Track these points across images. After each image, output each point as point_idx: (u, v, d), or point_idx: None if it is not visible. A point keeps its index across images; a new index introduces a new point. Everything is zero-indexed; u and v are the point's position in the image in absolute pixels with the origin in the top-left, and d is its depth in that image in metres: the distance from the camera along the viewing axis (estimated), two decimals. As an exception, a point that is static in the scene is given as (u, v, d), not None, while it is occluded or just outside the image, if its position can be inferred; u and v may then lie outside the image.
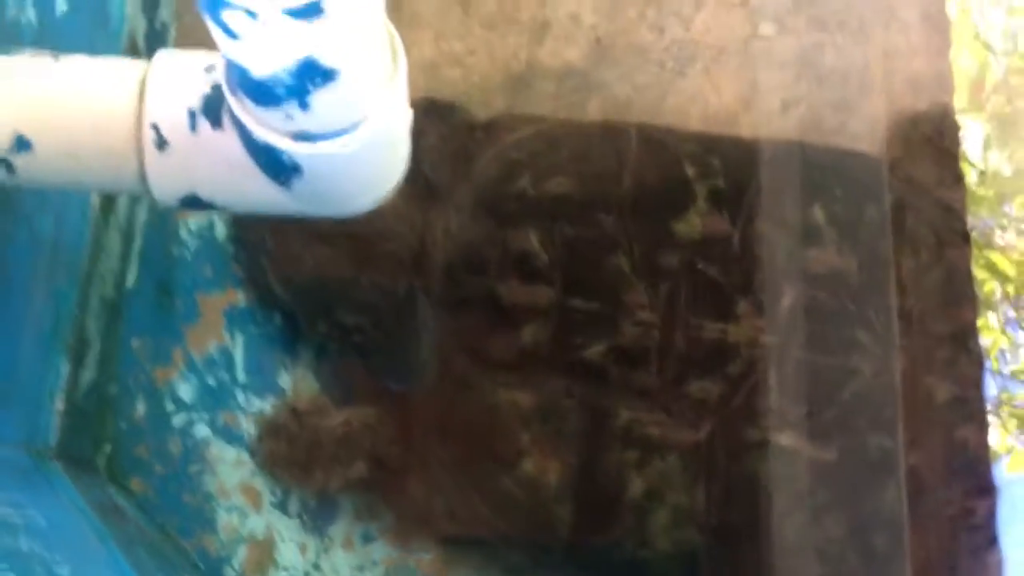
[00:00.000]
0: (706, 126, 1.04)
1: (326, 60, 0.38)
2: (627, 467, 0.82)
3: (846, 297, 0.85)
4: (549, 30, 1.10)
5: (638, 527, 0.82)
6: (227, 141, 0.48)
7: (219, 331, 0.89)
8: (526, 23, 1.10)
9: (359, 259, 0.87)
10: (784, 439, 0.83)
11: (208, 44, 0.90)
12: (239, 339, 0.89)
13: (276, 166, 0.46)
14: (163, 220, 0.89)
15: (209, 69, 0.49)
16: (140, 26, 0.82)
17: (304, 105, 0.40)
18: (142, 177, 0.49)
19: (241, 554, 0.86)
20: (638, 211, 0.87)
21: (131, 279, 0.85)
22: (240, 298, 0.91)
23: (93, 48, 0.72)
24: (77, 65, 0.49)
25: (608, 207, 0.87)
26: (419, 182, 0.96)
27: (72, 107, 0.48)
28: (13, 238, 0.59)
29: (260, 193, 0.49)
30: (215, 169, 0.48)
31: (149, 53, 0.83)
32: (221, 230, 0.91)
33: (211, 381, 0.88)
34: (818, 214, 0.88)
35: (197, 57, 0.50)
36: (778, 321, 0.84)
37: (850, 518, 0.81)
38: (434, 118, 0.99)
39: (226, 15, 0.36)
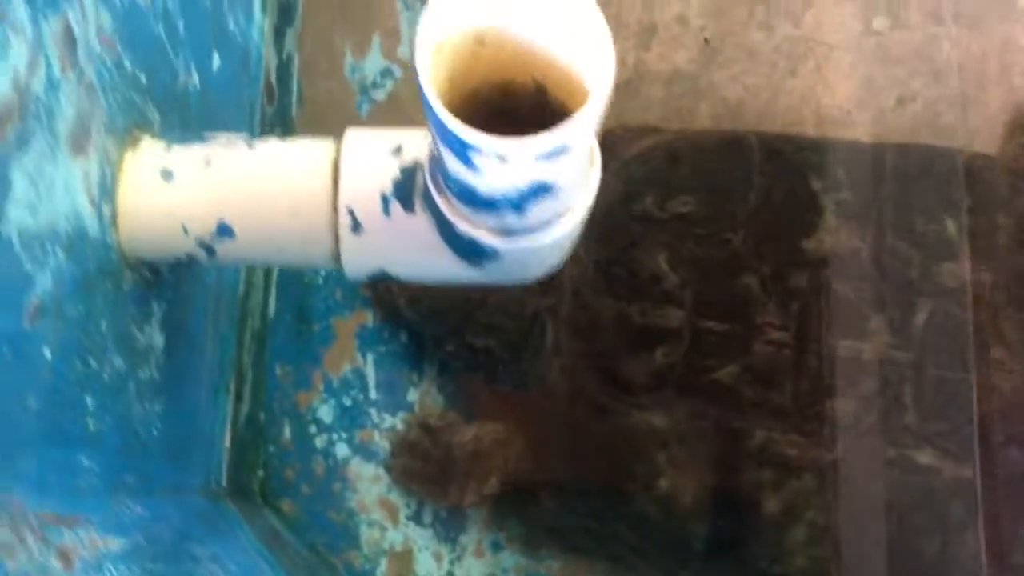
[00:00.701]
0: (821, 128, 1.03)
1: (553, 181, 0.39)
2: (762, 486, 0.83)
3: (981, 312, 0.84)
4: (656, 34, 1.09)
5: (773, 544, 0.84)
6: (420, 224, 0.49)
7: (352, 353, 0.91)
8: (632, 27, 1.09)
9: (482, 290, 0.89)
10: (921, 457, 0.83)
11: (333, 76, 0.92)
12: (370, 359, 0.92)
13: (474, 253, 0.47)
14: None
15: (396, 152, 0.50)
16: (272, 62, 0.83)
17: (521, 213, 0.42)
18: (336, 257, 0.51)
19: (383, 566, 0.89)
20: (766, 229, 0.86)
21: (272, 309, 0.88)
22: (369, 319, 0.93)
23: (239, 90, 0.74)
24: (271, 151, 0.51)
25: (735, 225, 0.87)
26: None
27: (271, 195, 0.50)
28: (191, 298, 0.62)
29: (448, 270, 0.51)
30: (406, 250, 0.50)
31: (280, 85, 0.85)
32: None
33: (347, 401, 0.91)
34: (949, 225, 0.87)
35: (382, 138, 0.51)
36: (912, 338, 0.84)
37: (989, 536, 0.81)
38: None
39: (473, 155, 0.37)
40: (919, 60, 1.07)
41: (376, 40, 0.99)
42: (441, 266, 0.51)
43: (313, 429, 0.90)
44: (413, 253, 0.50)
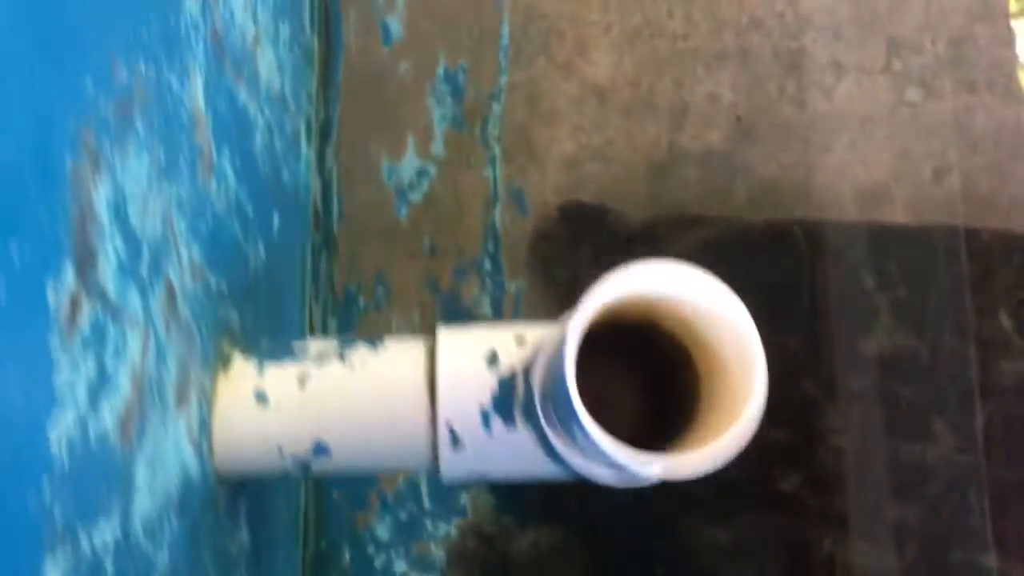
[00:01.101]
0: (860, 206, 1.03)
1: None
2: (832, 596, 0.83)
3: (1041, 409, 0.84)
4: (688, 113, 1.09)
5: (846, 650, 0.84)
6: (521, 438, 0.49)
7: (406, 467, 0.91)
8: (664, 108, 1.08)
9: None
10: (989, 560, 0.83)
11: (371, 182, 0.90)
12: (423, 469, 0.91)
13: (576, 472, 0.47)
14: None
15: (492, 362, 0.49)
16: (317, 187, 0.82)
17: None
18: (434, 469, 0.50)
19: None
20: (822, 331, 0.86)
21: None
22: None
23: (294, 236, 0.73)
24: (363, 363, 0.50)
25: (791, 329, 0.86)
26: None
27: (367, 413, 0.49)
28: (268, 483, 0.61)
29: (545, 474, 0.50)
30: (507, 459, 0.49)
31: (324, 206, 0.84)
32: None
33: (403, 516, 0.90)
34: (1004, 320, 0.86)
35: (475, 343, 0.50)
36: (975, 439, 0.83)
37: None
38: (586, 225, 0.99)
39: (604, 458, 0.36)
40: (955, 130, 1.06)
41: (410, 140, 0.98)
42: (539, 471, 0.50)
43: (372, 549, 0.89)
44: (513, 463, 0.49)
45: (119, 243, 0.35)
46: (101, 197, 0.33)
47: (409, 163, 0.98)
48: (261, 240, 0.61)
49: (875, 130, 1.07)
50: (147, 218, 0.38)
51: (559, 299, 1.01)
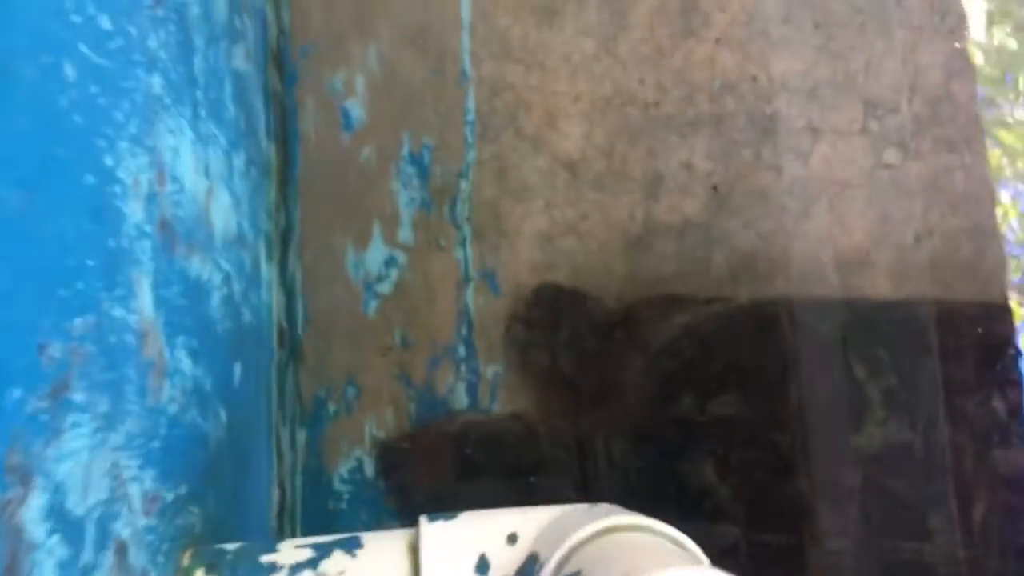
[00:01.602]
0: (841, 273, 1.00)
1: None
2: None
3: (1039, 498, 0.82)
4: (662, 183, 1.05)
5: None
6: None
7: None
8: (638, 179, 1.05)
9: (519, 495, 0.85)
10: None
11: (337, 279, 0.87)
12: None
13: None
14: (318, 477, 0.86)
15: (481, 568, 0.46)
16: (281, 304, 0.78)
17: None
18: None
19: None
20: (812, 427, 0.83)
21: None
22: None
23: (256, 366, 0.69)
24: (338, 568, 0.46)
25: (782, 425, 0.83)
26: (564, 387, 0.94)
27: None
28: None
29: None
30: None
31: (288, 318, 0.79)
32: (369, 467, 0.88)
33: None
34: (999, 407, 0.84)
35: (461, 548, 0.46)
36: (973, 533, 0.81)
37: None
38: (563, 309, 0.95)
39: None
40: (934, 192, 1.04)
41: (376, 228, 0.94)
42: None
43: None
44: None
45: (58, 548, 0.30)
46: (34, 514, 0.29)
47: (376, 252, 0.94)
48: (222, 406, 0.56)
49: (853, 194, 1.04)
50: (90, 491, 0.34)
51: (537, 383, 0.97)
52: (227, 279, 0.57)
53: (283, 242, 0.81)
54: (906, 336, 0.88)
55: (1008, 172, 1.21)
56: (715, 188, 1.05)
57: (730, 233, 1.04)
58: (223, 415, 0.56)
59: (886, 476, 0.82)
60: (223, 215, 0.57)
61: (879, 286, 0.99)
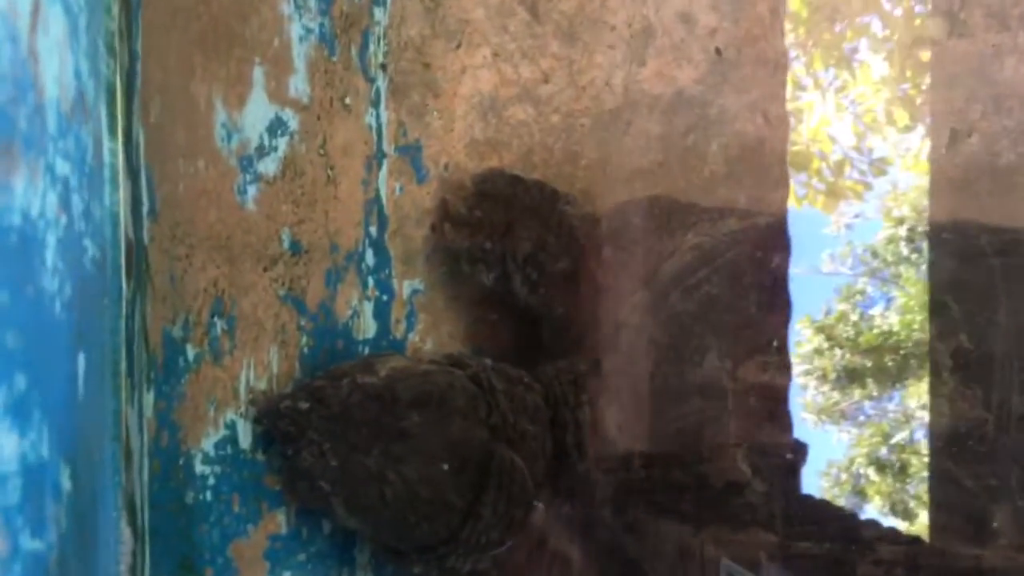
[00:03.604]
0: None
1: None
2: None
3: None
4: (652, 39, 0.78)
5: None
6: None
7: (265, 578, 0.62)
8: (621, 30, 0.77)
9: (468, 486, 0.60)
10: None
11: (197, 151, 0.55)
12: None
13: None
14: (171, 460, 0.58)
15: None
16: (128, 208, 0.46)
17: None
18: None
19: None
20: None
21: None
22: (281, 523, 0.63)
23: (102, 361, 0.38)
24: None
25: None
26: (517, 322, 0.68)
27: None
28: None
29: None
30: None
31: (136, 234, 0.49)
32: (246, 435, 0.61)
33: None
34: None
35: None
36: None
37: None
38: (522, 208, 0.69)
39: None
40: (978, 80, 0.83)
41: (256, 74, 0.61)
42: None
43: None
44: None
45: None
46: None
47: (256, 111, 0.62)
48: (68, 470, 0.27)
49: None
50: None
51: (474, 309, 0.70)
52: (65, 197, 0.27)
53: (127, 97, 0.48)
54: (972, 280, 0.69)
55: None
56: (718, 51, 0.78)
57: (733, 114, 0.79)
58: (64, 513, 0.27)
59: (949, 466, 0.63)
60: (56, 62, 0.26)
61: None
